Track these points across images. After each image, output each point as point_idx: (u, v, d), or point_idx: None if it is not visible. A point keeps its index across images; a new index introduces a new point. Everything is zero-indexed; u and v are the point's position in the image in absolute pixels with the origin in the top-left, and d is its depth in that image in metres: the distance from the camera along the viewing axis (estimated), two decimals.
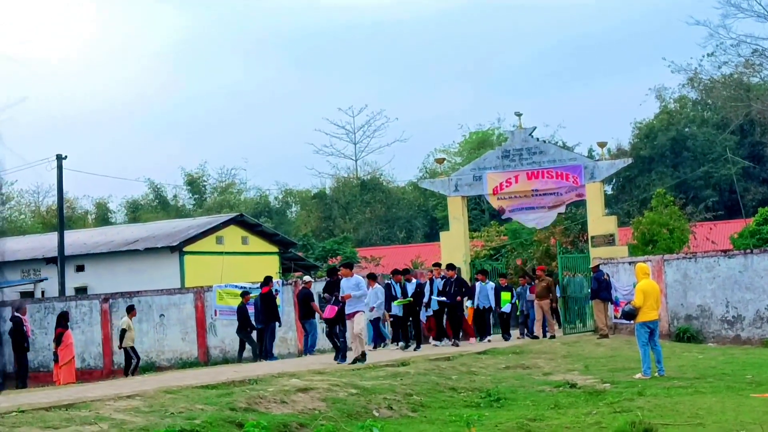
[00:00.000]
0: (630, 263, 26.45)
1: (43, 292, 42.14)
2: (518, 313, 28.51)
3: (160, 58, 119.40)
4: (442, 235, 32.84)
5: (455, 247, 31.45)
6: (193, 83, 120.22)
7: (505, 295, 26.77)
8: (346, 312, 19.12)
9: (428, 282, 24.79)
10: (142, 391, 13.47)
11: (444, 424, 12.55)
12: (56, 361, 25.11)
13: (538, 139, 32.29)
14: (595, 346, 23.40)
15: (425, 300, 24.34)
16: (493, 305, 26.28)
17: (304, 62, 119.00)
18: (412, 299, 23.57)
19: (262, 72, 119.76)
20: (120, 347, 26.63)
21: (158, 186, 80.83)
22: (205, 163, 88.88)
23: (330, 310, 19.56)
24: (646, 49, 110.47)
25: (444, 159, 40.81)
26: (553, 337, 26.42)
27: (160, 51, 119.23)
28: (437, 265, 26.27)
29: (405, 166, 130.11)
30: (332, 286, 20.59)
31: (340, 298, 19.22)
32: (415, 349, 23.04)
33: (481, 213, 55.99)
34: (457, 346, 23.74)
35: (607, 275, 26.55)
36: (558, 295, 28.11)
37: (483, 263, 35.16)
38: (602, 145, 32.38)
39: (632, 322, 18.09)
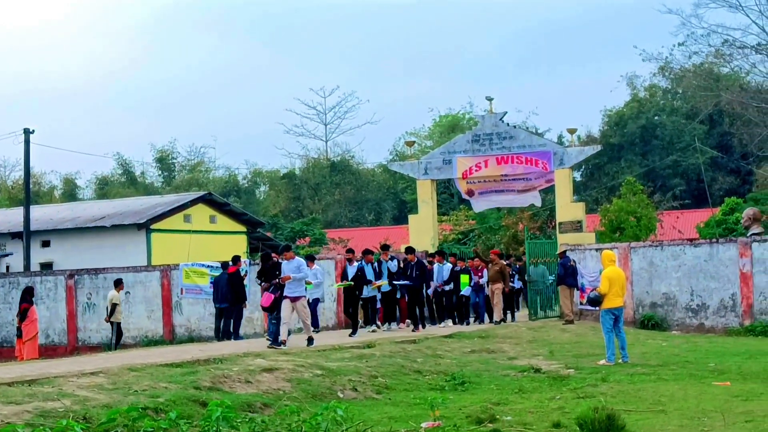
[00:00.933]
0: (597, 250, 26.52)
1: (8, 267, 41.81)
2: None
3: (131, 35, 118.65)
4: (411, 218, 32.84)
5: (423, 230, 31.46)
6: (163, 60, 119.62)
7: (464, 278, 26.44)
8: (289, 295, 18.57)
9: (377, 264, 24.13)
10: (105, 368, 13.39)
11: (408, 407, 12.57)
12: (20, 336, 24.95)
13: (508, 124, 32.28)
14: (560, 332, 23.49)
15: (376, 281, 23.71)
16: (440, 285, 25.78)
17: (275, 41, 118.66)
18: (353, 282, 23.11)
19: (234, 50, 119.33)
20: (107, 320, 26.74)
21: (127, 161, 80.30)
22: (175, 140, 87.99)
23: (266, 298, 19.22)
24: (618, 36, 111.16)
25: (414, 142, 40.82)
26: (497, 323, 25.66)
27: (131, 27, 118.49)
28: (386, 248, 25.89)
29: (375, 148, 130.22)
30: (267, 273, 20.18)
31: (279, 279, 18.74)
32: (350, 335, 21.98)
33: (450, 197, 56.01)
34: (417, 330, 23.18)
35: (574, 261, 26.61)
36: (512, 282, 28.00)
37: (451, 247, 35.14)
38: (572, 131, 32.53)
39: (597, 308, 18.20)
